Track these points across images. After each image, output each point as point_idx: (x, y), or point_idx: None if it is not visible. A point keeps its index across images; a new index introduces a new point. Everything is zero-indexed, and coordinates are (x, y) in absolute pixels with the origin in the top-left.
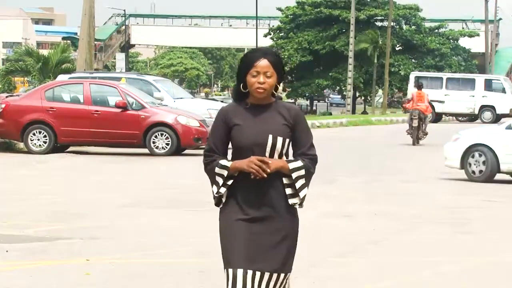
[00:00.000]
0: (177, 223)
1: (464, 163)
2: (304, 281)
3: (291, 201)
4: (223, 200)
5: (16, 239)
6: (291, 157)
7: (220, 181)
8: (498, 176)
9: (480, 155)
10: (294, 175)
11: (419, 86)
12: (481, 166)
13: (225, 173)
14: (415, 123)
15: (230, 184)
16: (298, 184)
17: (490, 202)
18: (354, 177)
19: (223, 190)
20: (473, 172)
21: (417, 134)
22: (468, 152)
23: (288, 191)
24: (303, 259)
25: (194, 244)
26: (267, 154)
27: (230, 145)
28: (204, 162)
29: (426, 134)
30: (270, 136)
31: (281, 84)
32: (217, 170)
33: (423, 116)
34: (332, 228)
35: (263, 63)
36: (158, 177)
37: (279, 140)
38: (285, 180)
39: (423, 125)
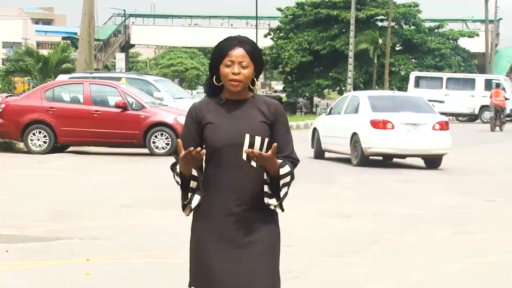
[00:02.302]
0: (177, 223)
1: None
2: (303, 281)
3: (267, 200)
4: (188, 213)
5: (16, 239)
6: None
7: (179, 188)
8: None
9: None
10: (281, 182)
11: (497, 84)
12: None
13: (179, 180)
14: (492, 114)
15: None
16: (282, 192)
17: (490, 202)
18: (353, 177)
19: (182, 200)
20: None
21: (494, 122)
22: None
23: (266, 188)
24: (303, 259)
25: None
26: (244, 155)
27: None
28: (170, 167)
29: (504, 123)
30: (247, 136)
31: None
32: (175, 177)
33: (500, 109)
34: (332, 228)
35: (238, 52)
36: (158, 177)
37: (257, 139)
38: (265, 176)
39: (501, 115)
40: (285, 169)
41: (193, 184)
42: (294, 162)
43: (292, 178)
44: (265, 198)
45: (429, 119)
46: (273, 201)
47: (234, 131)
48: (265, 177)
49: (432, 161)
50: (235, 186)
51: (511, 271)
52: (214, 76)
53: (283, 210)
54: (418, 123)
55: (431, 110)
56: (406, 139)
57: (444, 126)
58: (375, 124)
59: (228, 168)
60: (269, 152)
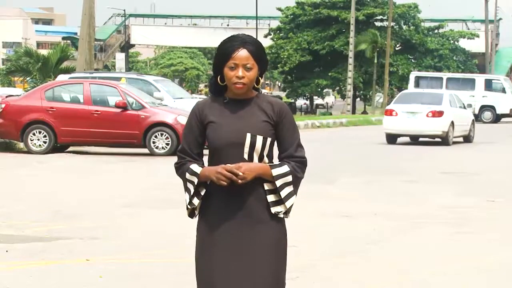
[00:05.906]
0: (177, 223)
1: None
2: (304, 281)
3: (274, 209)
4: (196, 212)
5: (16, 239)
6: (276, 159)
7: (192, 188)
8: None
9: None
10: (278, 183)
11: None
12: None
13: (195, 180)
14: None
15: (204, 193)
16: (284, 193)
17: (490, 202)
18: (354, 177)
19: (196, 201)
20: None
21: None
22: None
23: (271, 198)
24: (303, 259)
25: (194, 244)
26: (245, 155)
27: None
28: (175, 165)
29: None
30: (249, 135)
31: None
32: (187, 176)
33: None
34: (332, 228)
35: (242, 53)
36: (158, 177)
37: (259, 139)
38: (266, 186)
39: None
40: (280, 170)
41: (202, 190)
42: (299, 160)
43: (297, 177)
44: (272, 209)
45: (424, 109)
46: (280, 208)
47: (236, 130)
48: (266, 187)
49: (443, 140)
50: (238, 185)
51: (511, 271)
52: (218, 76)
53: (288, 215)
54: (415, 112)
55: (438, 102)
56: (405, 123)
57: (435, 114)
58: (386, 112)
59: None
60: (238, 164)
